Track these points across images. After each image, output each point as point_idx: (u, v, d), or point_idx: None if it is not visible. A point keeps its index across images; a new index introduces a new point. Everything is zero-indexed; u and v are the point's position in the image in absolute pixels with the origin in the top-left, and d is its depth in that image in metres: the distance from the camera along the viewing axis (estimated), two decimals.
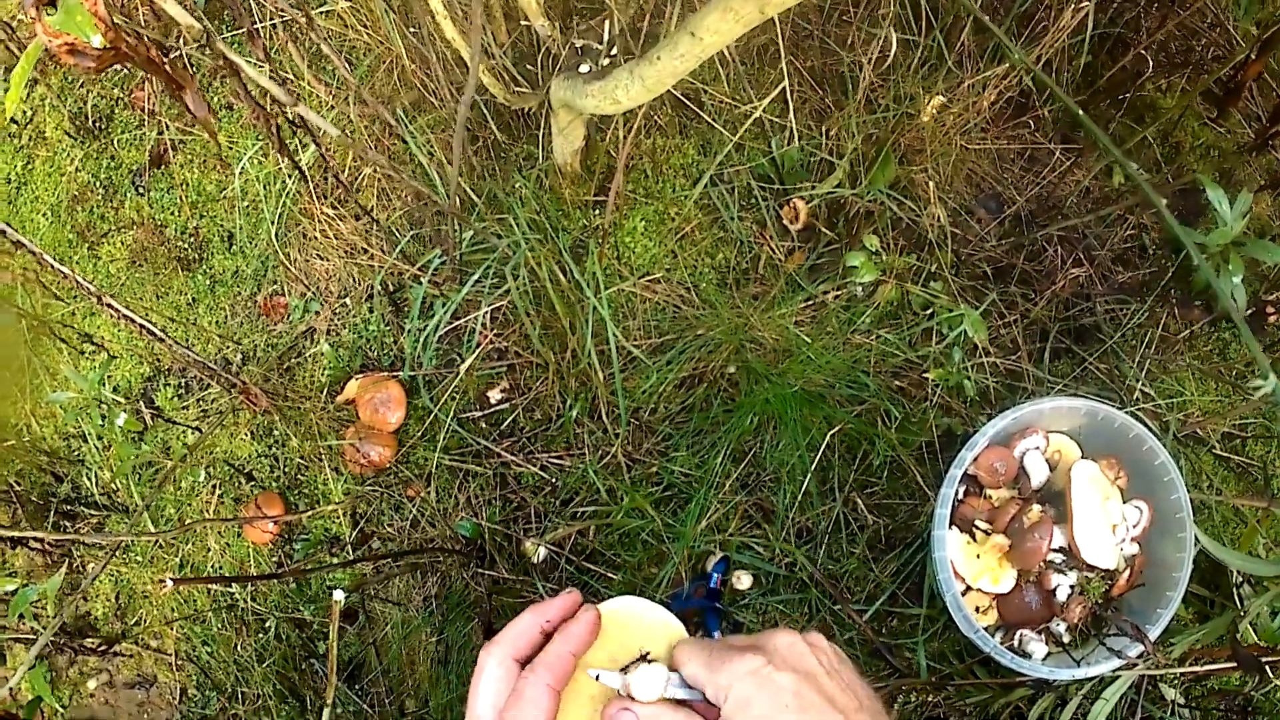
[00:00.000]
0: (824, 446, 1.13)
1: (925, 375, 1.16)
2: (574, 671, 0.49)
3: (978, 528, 1.10)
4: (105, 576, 1.33)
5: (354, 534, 1.14)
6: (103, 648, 1.27)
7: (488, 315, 1.13)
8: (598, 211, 1.17)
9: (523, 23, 1.06)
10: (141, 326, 0.93)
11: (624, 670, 0.48)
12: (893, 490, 1.17)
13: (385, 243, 1.19)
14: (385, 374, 1.14)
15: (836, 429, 1.12)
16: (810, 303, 1.18)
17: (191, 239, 1.30)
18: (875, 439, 1.14)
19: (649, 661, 0.49)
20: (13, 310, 1.38)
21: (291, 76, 1.29)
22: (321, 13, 1.28)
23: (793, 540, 1.14)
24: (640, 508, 1.11)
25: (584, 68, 0.96)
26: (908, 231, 1.23)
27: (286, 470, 1.18)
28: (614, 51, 0.99)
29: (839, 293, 1.19)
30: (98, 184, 1.34)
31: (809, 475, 1.13)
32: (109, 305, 0.92)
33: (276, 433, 1.18)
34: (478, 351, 1.13)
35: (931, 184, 1.21)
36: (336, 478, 1.15)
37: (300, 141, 1.20)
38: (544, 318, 1.13)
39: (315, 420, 1.15)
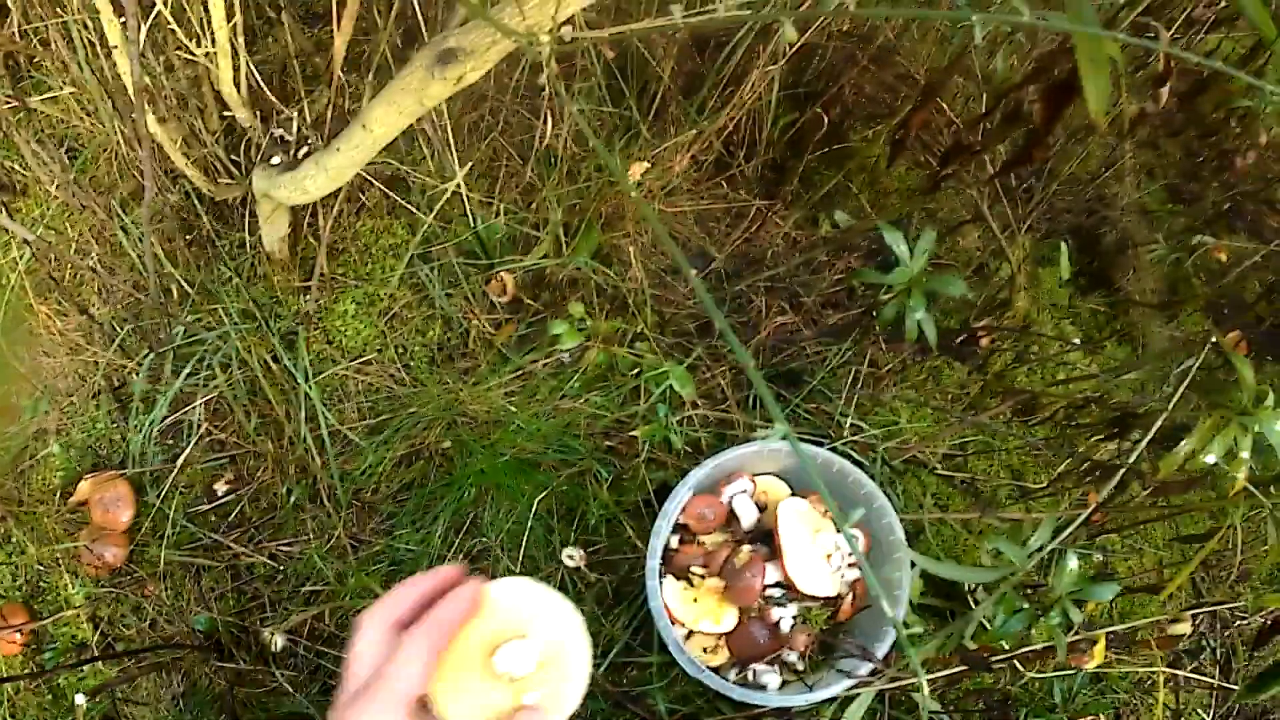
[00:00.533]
0: (538, 511, 1.20)
1: (634, 434, 1.24)
2: (453, 639, 0.49)
3: (694, 573, 1.18)
4: None
5: (96, 637, 1.19)
6: None
7: (203, 408, 1.18)
8: (307, 297, 1.22)
9: (226, 113, 1.10)
10: None
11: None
12: (614, 547, 1.24)
13: (106, 338, 1.23)
14: (114, 472, 1.19)
15: (545, 493, 1.19)
16: (519, 373, 1.24)
17: None
18: (589, 500, 1.22)
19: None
20: None
21: (16, 166, 1.31)
22: (46, 98, 1.30)
23: None
24: (368, 587, 1.17)
25: (275, 159, 1.02)
26: (612, 296, 1.29)
27: (28, 578, 1.23)
28: (308, 142, 1.04)
29: (547, 361, 1.26)
30: None
31: (525, 540, 1.21)
32: None
33: (14, 540, 1.23)
34: (194, 444, 1.18)
35: (633, 248, 1.28)
36: (75, 581, 1.19)
37: (13, 238, 1.23)
38: (259, 407, 1.18)
39: (50, 525, 1.19)
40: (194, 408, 1.18)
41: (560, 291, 1.27)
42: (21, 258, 1.22)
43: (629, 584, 1.24)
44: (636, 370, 1.26)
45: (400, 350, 1.24)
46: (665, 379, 1.24)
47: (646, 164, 1.29)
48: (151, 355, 1.16)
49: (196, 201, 1.21)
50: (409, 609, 0.50)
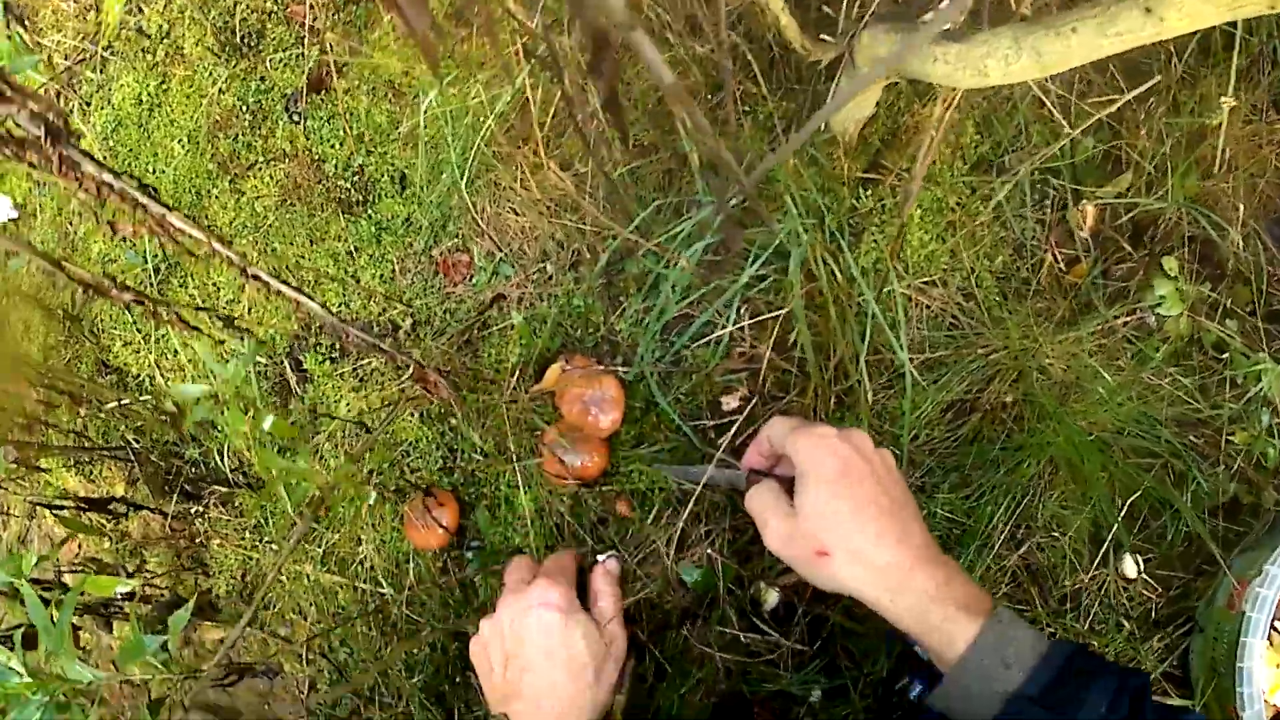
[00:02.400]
0: (1098, 504, 0.95)
1: (1230, 437, 0.98)
2: None
3: (1277, 630, 0.93)
4: (232, 552, 1.16)
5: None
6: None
7: (738, 305, 0.94)
8: (868, 192, 0.98)
9: None
10: (295, 293, 0.75)
11: None
12: (1166, 559, 0.99)
13: (596, 203, 1.00)
14: (598, 366, 0.96)
15: (1122, 486, 0.95)
16: (1101, 327, 0.99)
17: (355, 178, 1.10)
18: (1165, 503, 0.97)
19: None
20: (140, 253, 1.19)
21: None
22: None
23: (1053, 605, 0.97)
24: None
25: (943, 24, 0.77)
26: (1204, 255, 1.04)
27: (461, 464, 1.00)
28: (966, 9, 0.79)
29: (1128, 319, 1.01)
30: (244, 109, 1.15)
31: (1070, 534, 0.96)
32: (254, 276, 0.74)
33: (454, 420, 1.00)
34: (717, 349, 0.94)
35: (1241, 203, 1.02)
36: (526, 484, 0.97)
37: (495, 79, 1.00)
38: (808, 319, 0.95)
39: (503, 412, 0.97)
40: (731, 303, 0.94)
41: (1148, 237, 1.02)
42: (500, 99, 0.99)
43: (1180, 611, 0.99)
44: (1225, 356, 1.01)
45: (967, 274, 0.99)
46: (1260, 377, 0.99)
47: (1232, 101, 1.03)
48: (713, 241, 0.92)
49: (751, 60, 0.97)
50: None
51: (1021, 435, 0.95)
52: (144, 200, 0.70)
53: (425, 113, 1.00)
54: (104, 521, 1.27)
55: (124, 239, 0.95)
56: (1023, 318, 0.98)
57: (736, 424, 0.94)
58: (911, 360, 0.94)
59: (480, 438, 0.98)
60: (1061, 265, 1.01)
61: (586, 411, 0.94)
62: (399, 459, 1.04)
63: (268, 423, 0.84)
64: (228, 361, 0.89)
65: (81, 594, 1.03)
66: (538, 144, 0.98)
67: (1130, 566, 0.98)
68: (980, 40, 0.75)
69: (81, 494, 1.25)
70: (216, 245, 0.69)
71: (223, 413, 0.90)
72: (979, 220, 0.99)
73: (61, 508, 1.14)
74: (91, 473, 1.31)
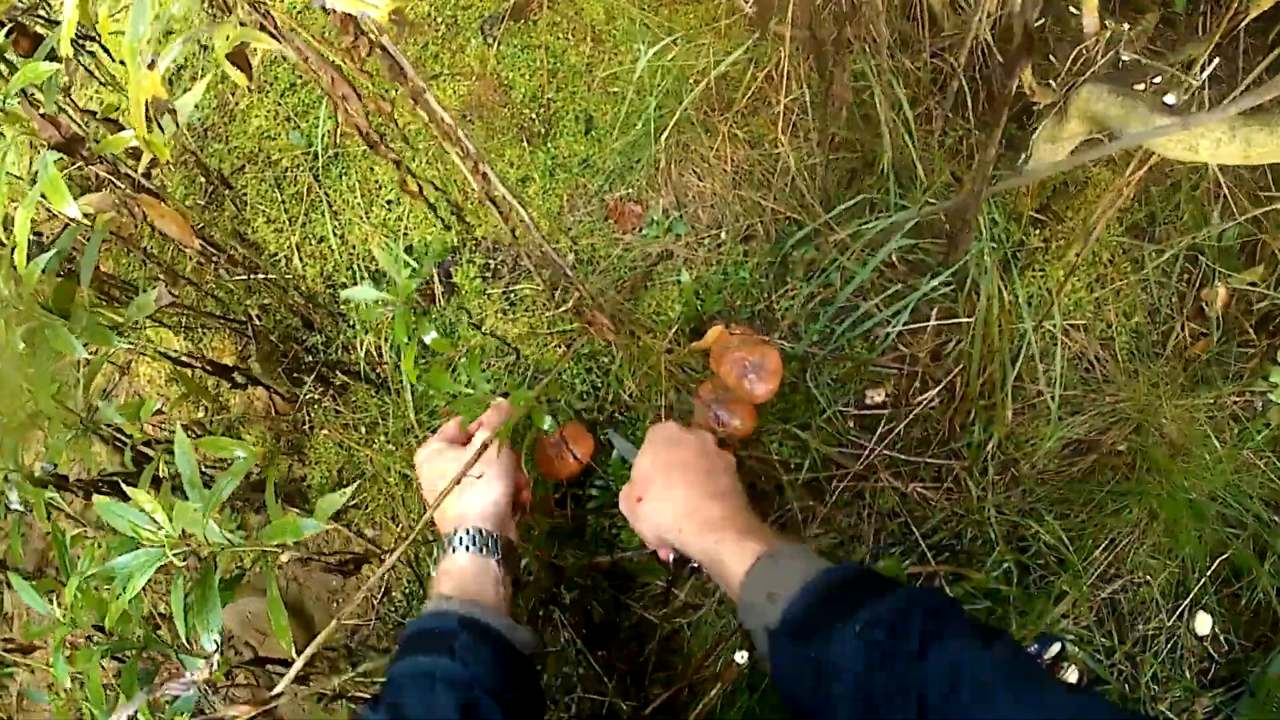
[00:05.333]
0: (1185, 560, 1.02)
1: None
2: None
3: None
4: (331, 446, 1.19)
5: None
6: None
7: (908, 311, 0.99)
8: (1037, 230, 1.04)
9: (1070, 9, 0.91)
10: (513, 199, 0.78)
11: None
12: (1234, 623, 1.06)
13: (783, 187, 1.04)
14: (760, 336, 1.00)
15: (1224, 556, 1.02)
16: (1214, 401, 1.06)
17: (541, 110, 1.13)
18: (1245, 569, 1.04)
19: None
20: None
21: None
22: None
23: (1128, 645, 1.03)
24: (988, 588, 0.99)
25: (1169, 98, 0.83)
26: None
27: (604, 403, 1.04)
28: (1189, 89, 0.85)
29: (1238, 399, 1.08)
30: (439, 18, 1.17)
31: (1156, 581, 1.03)
32: (483, 174, 0.77)
33: (604, 359, 1.04)
34: (873, 342, 1.00)
35: None
36: None
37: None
38: (957, 331, 1.00)
39: (659, 361, 1.01)
40: (880, 303, 0.99)
41: (1272, 327, 1.09)
42: (709, 67, 1.03)
43: (1236, 673, 1.06)
44: None
45: (1107, 326, 1.06)
46: None
47: None
48: (875, 226, 0.97)
49: (964, 83, 1.02)
50: None
51: (1129, 483, 1.02)
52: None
53: (636, 63, 1.04)
54: (211, 388, 1.29)
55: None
56: (1149, 377, 1.05)
57: (881, 417, 0.99)
58: (1047, 392, 1.00)
59: (633, 380, 1.02)
60: (1189, 337, 1.08)
61: (744, 376, 0.98)
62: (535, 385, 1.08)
63: (429, 336, 0.88)
64: (455, 274, 0.91)
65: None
66: (735, 116, 1.02)
67: (1203, 623, 1.04)
68: (1198, 120, 0.81)
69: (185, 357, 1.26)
70: (447, 127, 0.71)
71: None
72: (1126, 280, 1.06)
73: (187, 365, 1.14)
74: (199, 339, 1.32)
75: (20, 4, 1.10)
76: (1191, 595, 1.03)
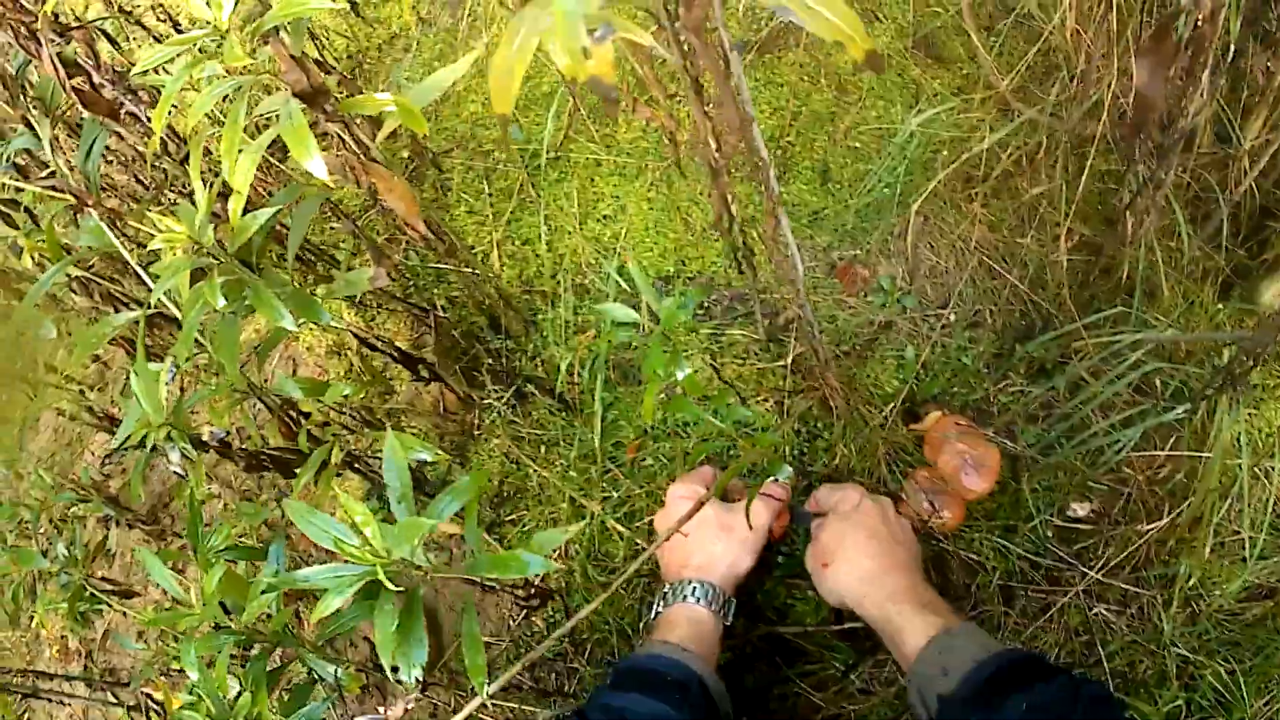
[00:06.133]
0: None
1: None
2: None
3: None
4: (498, 456, 1.18)
5: None
6: None
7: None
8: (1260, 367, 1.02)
9: None
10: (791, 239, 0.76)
11: None
12: None
13: (1024, 279, 1.02)
14: (984, 431, 1.00)
15: None
16: None
17: (779, 152, 1.11)
18: None
19: None
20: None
21: None
22: None
23: None
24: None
25: None
26: None
27: (813, 463, 1.04)
28: None
29: None
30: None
31: None
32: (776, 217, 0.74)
33: (813, 423, 1.04)
34: (1091, 457, 0.99)
35: None
36: None
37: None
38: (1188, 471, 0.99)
39: (877, 436, 1.01)
40: (1105, 416, 0.98)
41: None
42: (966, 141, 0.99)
43: None
44: None
45: None
46: None
47: None
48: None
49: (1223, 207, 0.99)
50: None
51: None
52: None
53: (883, 119, 1.01)
54: (379, 369, 1.29)
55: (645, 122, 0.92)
56: None
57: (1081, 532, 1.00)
58: (1240, 534, 1.00)
59: (848, 449, 1.02)
60: None
61: (962, 469, 0.98)
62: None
63: (682, 373, 0.85)
64: (666, 296, 0.89)
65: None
66: (983, 197, 1.00)
67: None
68: None
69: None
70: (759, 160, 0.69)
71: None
72: None
73: (376, 348, 1.13)
74: (373, 317, 1.32)
75: None
76: None
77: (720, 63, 0.63)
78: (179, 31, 1.37)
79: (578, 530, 1.07)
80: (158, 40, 1.39)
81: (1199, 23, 0.76)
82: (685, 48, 0.68)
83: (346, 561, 0.66)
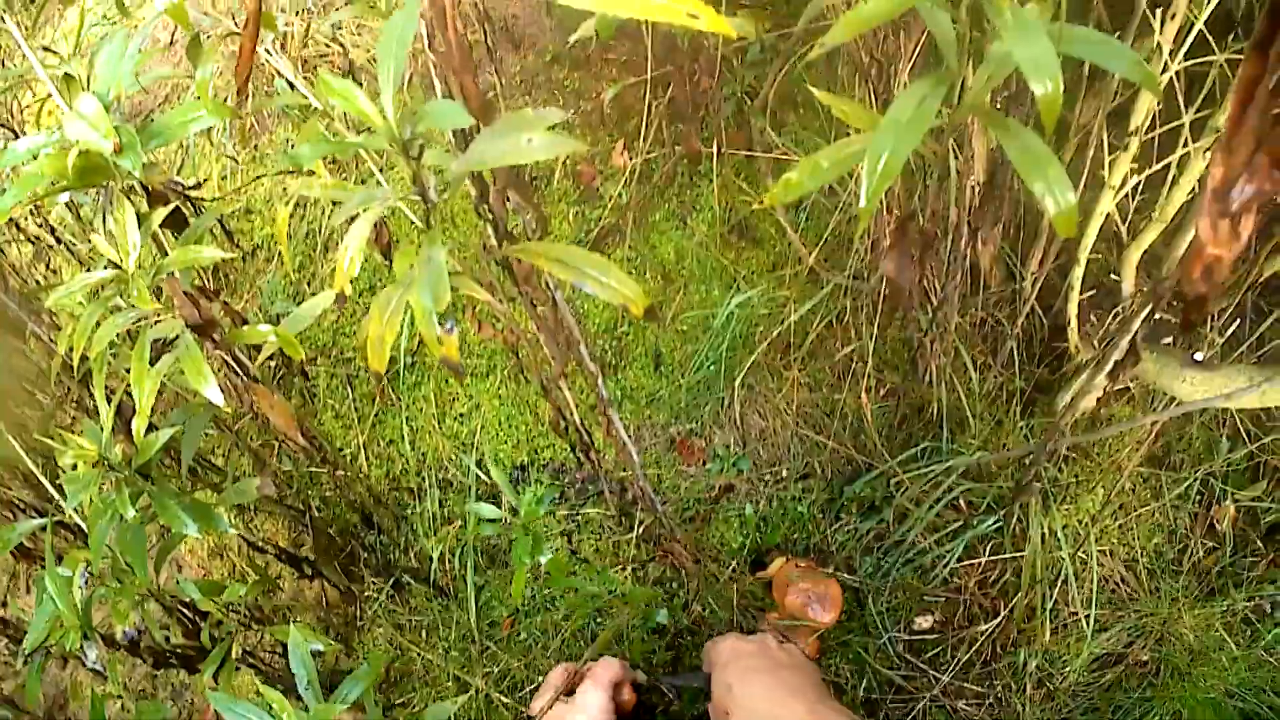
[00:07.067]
0: None
1: None
2: None
3: None
4: (382, 644, 1.23)
5: None
6: None
7: (937, 540, 1.09)
8: (1066, 467, 1.14)
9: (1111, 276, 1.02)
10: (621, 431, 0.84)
11: None
12: None
13: (845, 429, 1.13)
14: (820, 568, 1.08)
15: None
16: (1228, 608, 1.17)
17: (614, 343, 1.20)
18: None
19: None
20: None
21: None
22: None
23: None
24: None
25: (1197, 355, 0.94)
26: None
27: (671, 630, 1.11)
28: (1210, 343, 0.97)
29: (1249, 604, 1.19)
30: None
31: None
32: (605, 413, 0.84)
33: (674, 586, 1.11)
34: (920, 575, 1.08)
35: None
36: None
37: None
38: (986, 565, 1.09)
39: (727, 589, 1.08)
40: (929, 536, 1.08)
41: (1278, 537, 1.21)
42: (778, 315, 1.10)
43: None
44: None
45: (1129, 548, 1.16)
46: None
47: None
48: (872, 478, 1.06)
49: (1011, 337, 1.11)
50: None
51: (1154, 689, 1.12)
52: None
53: (705, 303, 1.11)
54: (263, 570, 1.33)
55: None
56: (1169, 592, 1.15)
57: (928, 641, 1.08)
58: (1078, 613, 1.11)
59: (703, 608, 1.09)
60: (1203, 552, 1.19)
61: (808, 605, 1.06)
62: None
63: (545, 557, 0.93)
64: (523, 492, 0.97)
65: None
66: (798, 360, 1.11)
67: None
68: (1223, 373, 0.93)
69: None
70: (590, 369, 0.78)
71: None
72: (1146, 506, 1.16)
73: (263, 550, 1.19)
74: (252, 521, 1.36)
75: (183, 181, 1.13)
76: None
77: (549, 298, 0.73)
78: (57, 240, 1.43)
79: (463, 702, 1.12)
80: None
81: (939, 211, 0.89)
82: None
83: None
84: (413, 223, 0.77)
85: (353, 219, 0.61)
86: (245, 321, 0.96)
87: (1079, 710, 1.13)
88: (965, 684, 1.10)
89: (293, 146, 1.13)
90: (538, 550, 0.92)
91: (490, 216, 0.71)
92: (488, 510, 0.96)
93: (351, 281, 0.61)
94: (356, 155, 1.25)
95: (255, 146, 1.50)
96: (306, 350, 1.33)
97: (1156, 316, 1.06)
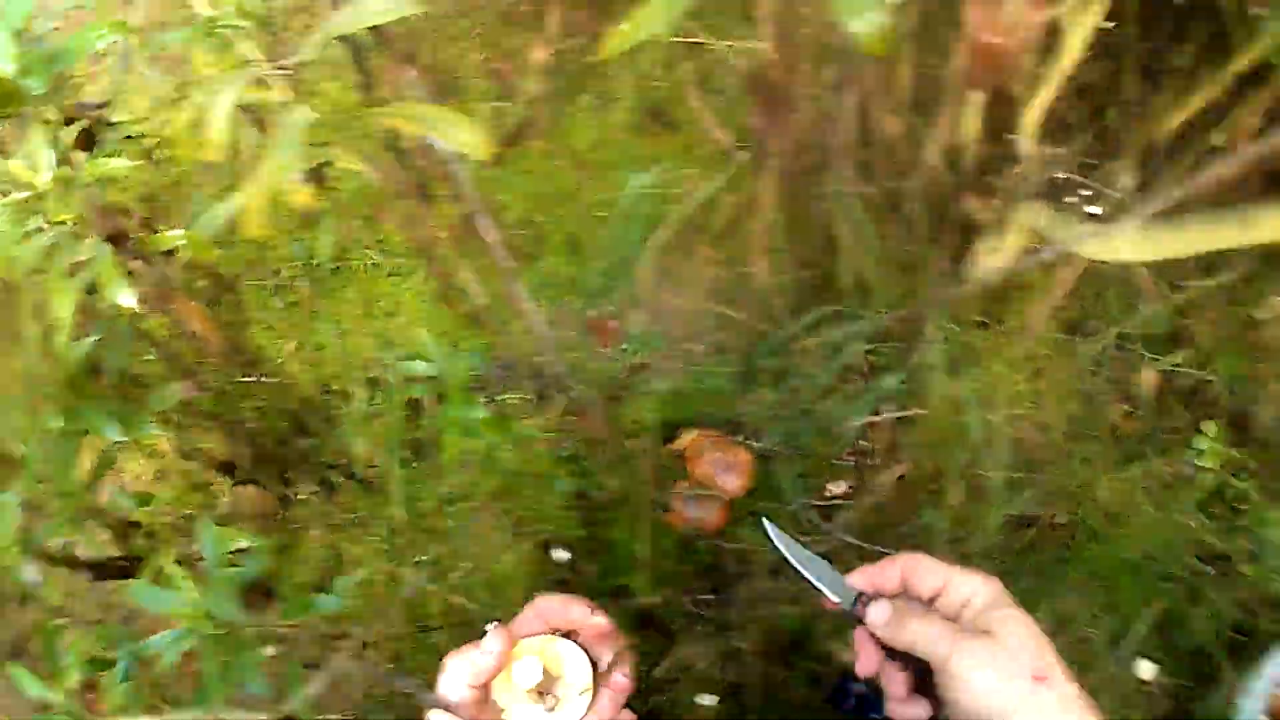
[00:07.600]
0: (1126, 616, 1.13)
1: (1242, 570, 1.17)
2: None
3: None
4: (318, 547, 1.25)
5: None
6: None
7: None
8: (979, 332, 1.14)
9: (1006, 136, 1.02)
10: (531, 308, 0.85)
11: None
12: (1177, 667, 1.17)
13: (758, 303, 1.14)
14: (731, 438, 1.10)
15: (1159, 608, 1.13)
16: (1147, 472, 1.17)
17: (532, 232, 1.22)
18: (1180, 618, 1.15)
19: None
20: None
21: None
22: None
23: None
24: None
25: (1094, 209, 0.95)
26: (1240, 426, 1.23)
27: (587, 506, 1.12)
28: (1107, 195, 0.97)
29: (1170, 467, 1.19)
30: None
31: (1111, 641, 1.14)
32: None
33: (585, 463, 1.12)
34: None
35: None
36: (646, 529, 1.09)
37: None
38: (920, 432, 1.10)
39: (643, 464, 1.09)
40: (842, 404, 1.09)
41: (1196, 401, 1.21)
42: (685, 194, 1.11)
43: (1185, 713, 1.17)
44: (1245, 508, 1.20)
45: (1045, 413, 1.17)
46: (1268, 524, 1.19)
47: None
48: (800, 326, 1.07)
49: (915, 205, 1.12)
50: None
51: (1069, 551, 1.13)
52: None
53: (627, 191, 1.13)
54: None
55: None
56: (1085, 455, 1.16)
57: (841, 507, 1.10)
58: (991, 476, 1.11)
59: (615, 479, 1.10)
60: (1121, 417, 1.19)
61: (716, 473, 1.07)
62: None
63: (479, 414, 0.95)
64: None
65: None
66: (712, 239, 1.12)
67: (1146, 669, 1.15)
68: (1118, 229, 0.93)
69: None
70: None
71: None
72: (1061, 372, 1.17)
73: (195, 458, 1.21)
74: (188, 435, 1.37)
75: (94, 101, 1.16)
76: (1134, 644, 1.13)
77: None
78: None
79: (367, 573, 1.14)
80: None
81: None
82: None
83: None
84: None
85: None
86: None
87: (993, 571, 1.13)
88: (878, 547, 1.11)
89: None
90: (471, 402, 0.95)
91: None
92: (422, 367, 0.97)
93: None
94: None
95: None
96: (235, 267, 1.34)
97: (1061, 174, 1.07)
